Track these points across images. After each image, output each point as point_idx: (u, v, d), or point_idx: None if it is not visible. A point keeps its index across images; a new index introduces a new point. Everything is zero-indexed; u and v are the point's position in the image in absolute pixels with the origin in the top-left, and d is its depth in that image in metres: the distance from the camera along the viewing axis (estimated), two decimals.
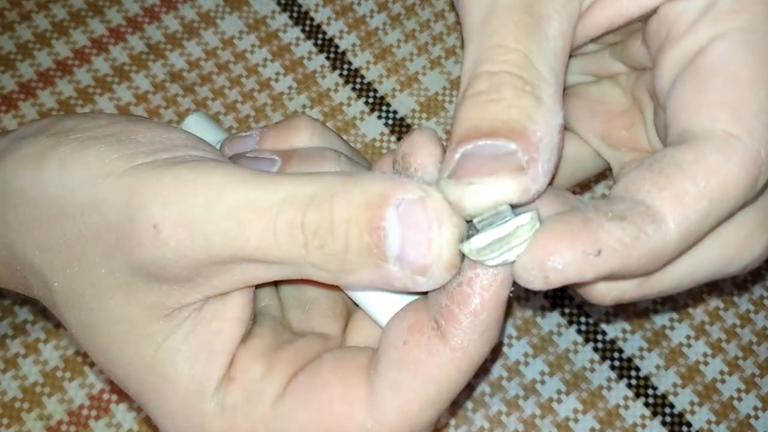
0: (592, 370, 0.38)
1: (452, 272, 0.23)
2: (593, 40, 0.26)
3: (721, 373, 0.39)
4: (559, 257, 0.21)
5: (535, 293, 0.39)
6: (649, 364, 0.39)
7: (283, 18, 0.45)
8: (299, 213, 0.22)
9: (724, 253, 0.24)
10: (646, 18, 0.26)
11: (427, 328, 0.24)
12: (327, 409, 0.24)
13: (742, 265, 0.25)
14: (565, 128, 0.26)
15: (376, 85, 0.44)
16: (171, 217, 0.23)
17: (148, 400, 0.26)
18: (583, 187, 0.42)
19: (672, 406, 0.38)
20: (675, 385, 0.38)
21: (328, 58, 0.44)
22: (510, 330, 0.39)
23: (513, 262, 0.22)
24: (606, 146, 0.30)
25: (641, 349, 0.39)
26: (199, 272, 0.23)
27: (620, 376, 0.38)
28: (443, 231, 0.22)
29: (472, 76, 0.23)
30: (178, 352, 0.25)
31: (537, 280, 0.22)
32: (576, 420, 0.38)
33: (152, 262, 0.23)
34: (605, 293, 0.24)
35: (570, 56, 0.25)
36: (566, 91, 0.29)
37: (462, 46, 0.45)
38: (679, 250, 0.22)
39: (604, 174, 0.38)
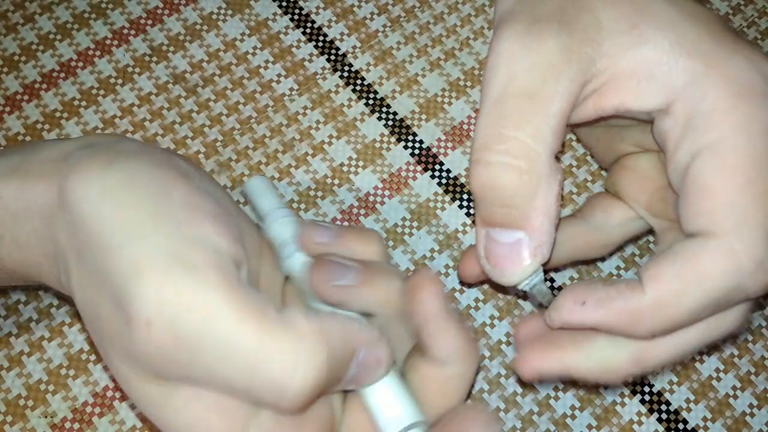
0: None
1: None
2: (604, 118, 0.30)
3: (717, 371, 0.39)
4: (560, 305, 0.29)
5: None
6: None
7: (284, 20, 0.46)
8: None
9: (700, 328, 0.29)
10: (646, 115, 0.29)
11: None
12: None
13: (719, 335, 0.29)
14: (613, 194, 0.34)
15: (375, 87, 0.44)
16: (164, 318, 0.24)
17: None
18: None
19: (668, 403, 0.38)
20: (671, 382, 0.39)
21: (328, 60, 0.45)
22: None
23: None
24: (648, 215, 0.34)
25: None
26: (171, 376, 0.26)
27: None
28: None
29: (476, 158, 0.28)
30: (187, 410, 0.26)
31: (549, 321, 0.30)
32: (573, 417, 0.38)
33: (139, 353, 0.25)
34: (615, 375, 0.30)
35: (596, 124, 0.31)
36: (620, 163, 0.34)
37: (461, 49, 0.45)
38: (658, 317, 0.28)
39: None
